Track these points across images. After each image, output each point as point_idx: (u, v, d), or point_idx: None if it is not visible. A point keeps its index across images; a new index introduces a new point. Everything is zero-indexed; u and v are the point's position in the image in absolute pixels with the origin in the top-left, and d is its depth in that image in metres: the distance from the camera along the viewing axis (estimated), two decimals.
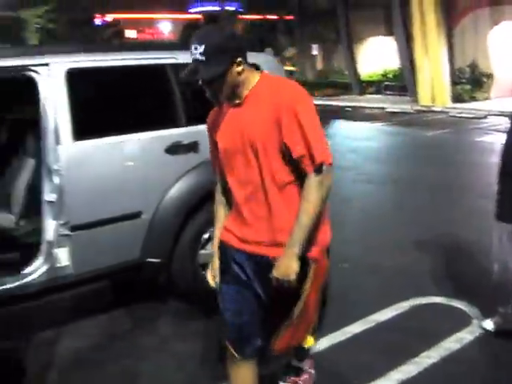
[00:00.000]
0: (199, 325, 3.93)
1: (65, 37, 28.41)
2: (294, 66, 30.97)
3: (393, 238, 5.77)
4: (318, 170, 2.19)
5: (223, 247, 2.50)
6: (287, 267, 2.24)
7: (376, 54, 27.33)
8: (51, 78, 3.53)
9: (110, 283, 4.39)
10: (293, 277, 2.25)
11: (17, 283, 3.46)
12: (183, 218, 3.96)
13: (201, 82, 2.20)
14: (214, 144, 2.47)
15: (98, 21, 33.73)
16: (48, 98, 3.53)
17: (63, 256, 3.62)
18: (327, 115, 18.33)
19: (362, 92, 25.89)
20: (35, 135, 3.85)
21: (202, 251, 4.06)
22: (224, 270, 2.51)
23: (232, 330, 2.50)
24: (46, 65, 3.54)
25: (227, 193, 2.51)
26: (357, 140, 13.46)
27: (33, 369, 3.42)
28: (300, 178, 2.27)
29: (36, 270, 3.56)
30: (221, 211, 2.59)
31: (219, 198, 2.59)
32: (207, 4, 34.56)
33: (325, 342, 3.59)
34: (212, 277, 2.58)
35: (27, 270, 3.53)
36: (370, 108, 21.29)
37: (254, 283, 2.43)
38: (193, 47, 2.15)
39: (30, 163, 3.99)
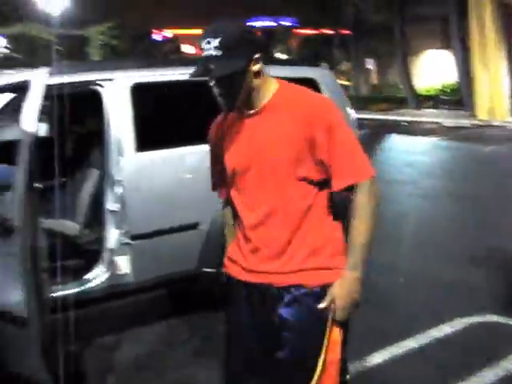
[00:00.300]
0: None
1: (126, 52, 29.32)
2: (348, 80, 30.87)
3: (449, 253, 5.66)
4: (365, 185, 1.92)
5: (229, 280, 2.10)
6: (349, 293, 1.90)
7: (432, 68, 26.96)
8: (116, 92, 3.68)
9: (167, 292, 4.49)
10: (356, 305, 1.94)
11: (79, 289, 3.59)
12: None
13: (213, 83, 1.87)
14: (217, 159, 2.11)
15: (156, 36, 34.64)
16: (112, 112, 3.68)
17: (124, 264, 3.74)
18: (382, 130, 18.19)
19: (418, 106, 25.51)
20: (100, 147, 4.01)
21: None
22: (231, 311, 2.18)
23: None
24: (112, 80, 3.69)
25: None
26: (412, 154, 13.27)
27: (93, 374, 3.54)
28: (327, 199, 1.98)
29: (98, 276, 3.69)
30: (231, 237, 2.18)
31: (230, 222, 2.19)
32: (263, 19, 34.94)
33: (380, 356, 3.57)
34: None
35: (89, 277, 3.67)
36: (426, 122, 20.94)
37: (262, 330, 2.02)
38: (204, 42, 1.82)
39: (95, 174, 4.15)
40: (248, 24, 1.94)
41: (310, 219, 1.92)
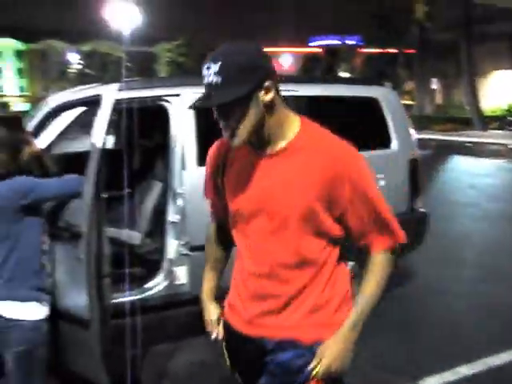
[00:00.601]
0: None
1: (193, 69, 30.09)
2: (412, 100, 30.48)
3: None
4: (393, 249, 1.77)
5: (228, 329, 1.98)
6: (340, 352, 1.73)
7: (500, 89, 26.25)
8: (181, 108, 3.81)
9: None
10: (345, 368, 1.77)
11: (140, 296, 3.71)
12: None
13: (215, 113, 1.65)
14: (215, 191, 1.92)
15: None
16: (177, 126, 3.80)
17: (182, 274, 3.84)
18: (446, 150, 17.83)
19: (484, 127, 24.89)
20: (164, 160, 4.15)
21: None
22: (233, 362, 2.07)
23: None
24: (178, 95, 3.83)
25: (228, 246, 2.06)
26: (477, 176, 12.95)
27: (148, 379, 3.64)
28: (340, 252, 1.81)
29: (157, 285, 3.80)
30: (214, 250, 2.09)
31: (213, 235, 2.08)
32: (327, 38, 35.03)
33: (433, 381, 3.51)
34: (213, 331, 2.09)
35: (149, 285, 3.79)
36: (492, 144, 20.39)
37: None
38: (205, 68, 1.61)
39: (158, 186, 4.29)
40: (260, 47, 1.64)
41: (321, 275, 1.76)
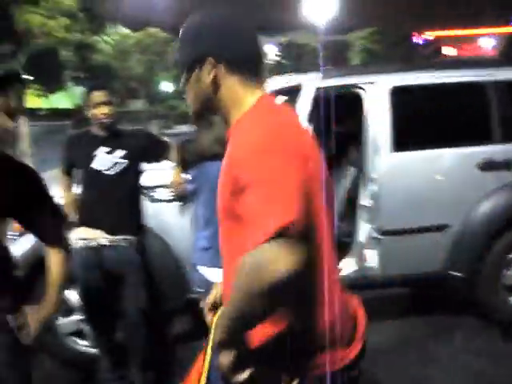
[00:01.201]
0: (495, 345, 3.85)
1: (385, 56, 29.68)
2: None
3: None
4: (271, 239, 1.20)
5: None
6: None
7: None
8: (376, 95, 3.90)
9: (408, 290, 4.58)
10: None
11: None
12: (490, 236, 3.95)
13: None
14: None
15: (417, 39, 34.20)
16: (371, 113, 3.91)
17: (372, 257, 3.96)
18: None
19: None
20: (357, 146, 4.28)
21: (508, 272, 3.99)
22: None
23: None
24: (373, 83, 3.92)
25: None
26: None
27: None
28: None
29: (347, 266, 3.97)
30: None
31: None
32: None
33: None
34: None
35: (339, 266, 3.96)
36: None
37: None
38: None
39: (351, 171, 4.45)
40: (223, 22, 1.48)
41: None
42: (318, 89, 3.45)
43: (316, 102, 3.65)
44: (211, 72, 1.45)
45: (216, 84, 1.46)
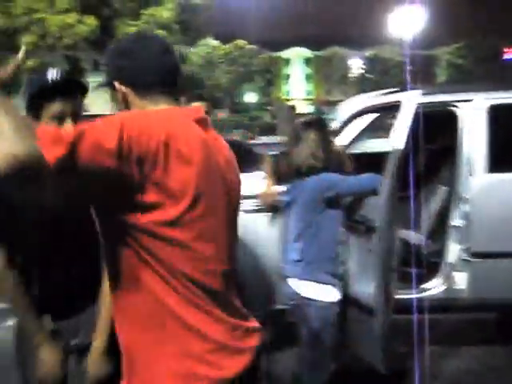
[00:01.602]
0: None
1: (472, 72, 28.88)
2: None
3: None
4: None
5: None
6: None
7: None
8: (472, 113, 3.81)
9: (494, 316, 4.43)
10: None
11: (418, 295, 3.83)
12: None
13: None
14: None
15: (508, 56, 33.02)
16: (466, 131, 3.82)
17: (460, 280, 3.85)
18: None
19: None
20: (449, 165, 4.19)
21: None
22: None
23: None
24: (470, 101, 3.84)
25: None
26: None
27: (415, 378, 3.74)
28: None
29: (435, 287, 3.88)
30: None
31: None
32: None
33: None
34: None
35: (428, 286, 3.89)
36: None
37: None
38: None
39: (442, 190, 4.35)
40: (136, 48, 1.57)
41: None
42: (418, 106, 3.45)
43: (415, 118, 3.63)
44: (119, 93, 1.57)
45: (127, 102, 1.58)
